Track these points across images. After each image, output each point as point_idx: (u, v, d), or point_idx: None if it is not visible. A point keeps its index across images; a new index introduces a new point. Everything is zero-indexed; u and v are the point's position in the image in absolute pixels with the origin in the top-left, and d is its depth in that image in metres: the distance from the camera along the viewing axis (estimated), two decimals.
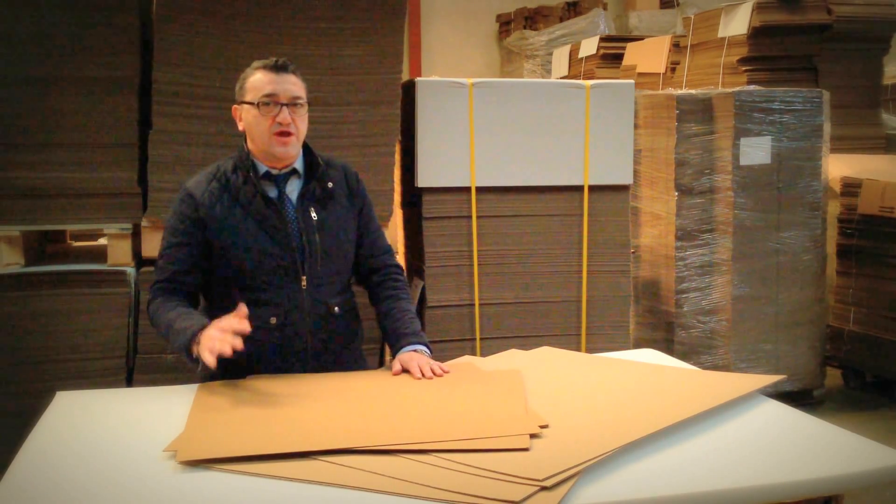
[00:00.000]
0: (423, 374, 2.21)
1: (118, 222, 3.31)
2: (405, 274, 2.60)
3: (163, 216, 3.29)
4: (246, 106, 2.29)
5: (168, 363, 3.28)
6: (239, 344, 2.01)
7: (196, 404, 2.05)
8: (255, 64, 2.32)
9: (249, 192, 2.28)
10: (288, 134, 2.26)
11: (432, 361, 2.28)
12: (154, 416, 2.03)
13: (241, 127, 2.34)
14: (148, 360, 3.30)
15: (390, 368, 2.37)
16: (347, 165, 2.49)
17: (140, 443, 1.83)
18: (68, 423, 1.99)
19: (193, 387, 2.14)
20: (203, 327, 2.10)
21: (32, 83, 3.21)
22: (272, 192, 2.31)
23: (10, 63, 3.19)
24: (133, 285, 3.30)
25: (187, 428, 1.88)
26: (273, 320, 2.29)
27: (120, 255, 3.31)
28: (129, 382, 3.29)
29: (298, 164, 2.36)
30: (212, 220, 2.28)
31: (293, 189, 2.34)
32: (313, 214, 2.32)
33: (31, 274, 3.25)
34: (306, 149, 2.39)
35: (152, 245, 3.33)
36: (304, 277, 2.30)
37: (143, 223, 3.32)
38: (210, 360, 1.98)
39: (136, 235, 3.34)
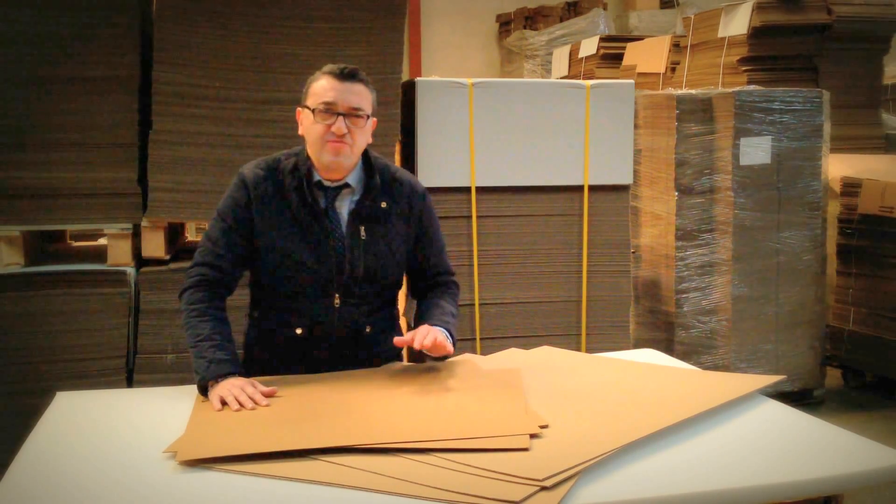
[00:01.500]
0: (423, 343, 2.13)
1: (118, 222, 3.31)
2: (458, 290, 2.50)
3: (163, 216, 3.31)
4: (306, 110, 2.23)
5: (168, 363, 3.28)
6: (249, 407, 1.99)
7: (197, 405, 2.05)
8: (324, 68, 2.23)
9: (299, 200, 2.22)
10: (341, 143, 2.18)
11: (440, 335, 2.19)
12: (154, 416, 2.03)
13: (300, 131, 2.27)
14: (148, 360, 3.31)
15: (391, 367, 2.38)
16: (416, 183, 2.38)
17: (140, 443, 1.83)
18: (68, 423, 1.99)
19: (194, 387, 2.13)
20: (232, 374, 2.09)
21: (32, 83, 3.21)
22: (321, 203, 2.24)
23: (10, 63, 3.19)
24: (133, 285, 3.30)
25: (188, 429, 1.88)
26: (299, 331, 2.25)
27: (120, 255, 3.30)
28: (129, 383, 3.29)
29: (353, 180, 2.27)
30: (259, 217, 2.23)
31: (344, 204, 2.27)
32: (363, 233, 2.25)
33: (31, 274, 3.25)
34: (367, 164, 2.30)
35: (152, 245, 3.34)
36: (337, 295, 2.24)
37: (143, 223, 3.32)
38: (217, 405, 2.00)
39: (136, 235, 3.34)
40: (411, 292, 2.50)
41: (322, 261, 2.22)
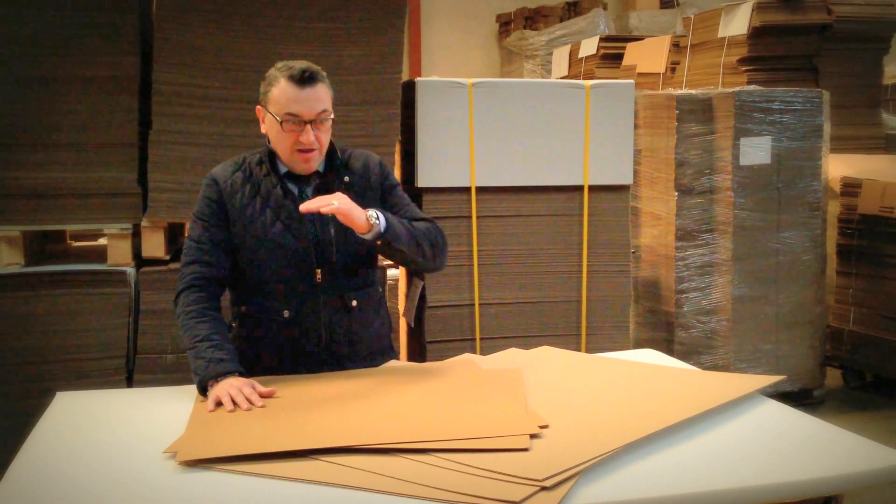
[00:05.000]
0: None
1: (118, 222, 3.31)
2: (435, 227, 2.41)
3: (163, 216, 3.31)
4: (269, 114, 2.26)
5: (168, 363, 3.28)
6: (244, 407, 1.99)
7: (197, 405, 2.05)
8: (281, 67, 2.24)
9: (270, 184, 2.29)
10: (310, 150, 2.24)
11: (337, 198, 2.13)
12: (154, 416, 2.03)
13: (263, 129, 2.31)
14: (148, 360, 3.30)
15: (391, 367, 2.38)
16: (370, 155, 2.45)
17: (140, 443, 1.83)
18: (68, 423, 1.99)
19: (194, 387, 2.13)
20: (231, 372, 2.09)
21: (32, 83, 3.21)
22: (294, 189, 2.32)
23: (10, 63, 3.19)
24: (133, 285, 3.30)
25: (188, 429, 1.88)
26: (286, 313, 2.29)
27: (120, 255, 3.31)
28: (129, 382, 3.29)
29: (320, 165, 2.35)
30: (232, 208, 2.28)
31: (311, 187, 2.33)
32: None
33: (31, 274, 3.25)
34: (329, 148, 2.36)
35: (152, 245, 3.34)
36: (319, 271, 2.28)
37: (143, 223, 3.32)
38: (211, 405, 2.00)
39: (136, 235, 3.34)
40: None
41: (298, 237, 2.27)
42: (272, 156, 2.31)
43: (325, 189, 2.31)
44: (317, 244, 2.29)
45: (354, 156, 2.41)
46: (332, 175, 2.34)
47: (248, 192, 2.29)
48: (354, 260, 2.34)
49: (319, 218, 2.28)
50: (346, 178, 2.35)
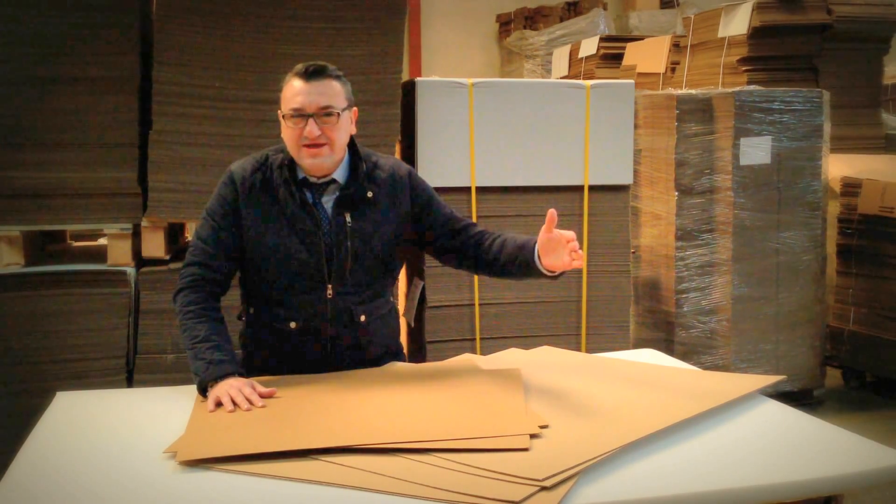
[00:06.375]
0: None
1: (118, 222, 3.31)
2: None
3: (163, 216, 3.31)
4: (280, 114, 2.23)
5: (168, 363, 3.28)
6: (245, 408, 1.98)
7: (197, 405, 2.05)
8: (294, 69, 2.22)
9: (288, 192, 2.23)
10: (317, 146, 2.17)
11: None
12: (154, 416, 2.03)
13: (282, 134, 2.27)
14: (148, 360, 3.31)
15: (391, 367, 2.37)
16: (398, 165, 2.36)
17: (140, 443, 1.83)
18: (68, 423, 1.99)
19: (194, 387, 2.13)
20: (231, 374, 2.08)
21: (32, 83, 3.21)
22: (308, 197, 2.24)
23: (10, 63, 3.19)
24: (133, 285, 3.30)
25: (188, 429, 1.88)
26: (293, 325, 2.26)
27: (120, 255, 3.31)
28: (129, 383, 3.29)
29: (339, 174, 2.26)
30: (247, 212, 2.23)
31: (331, 197, 2.26)
32: (348, 220, 2.24)
33: (31, 274, 3.25)
34: (353, 152, 2.30)
35: (152, 245, 3.34)
36: (330, 285, 2.24)
37: (143, 223, 3.32)
38: (211, 406, 1.99)
39: (136, 235, 3.34)
40: (454, 262, 2.41)
41: (312, 251, 2.22)
42: (293, 161, 2.25)
43: (346, 201, 2.25)
44: (330, 259, 2.23)
45: (381, 166, 2.32)
46: (353, 187, 2.26)
47: (266, 196, 2.23)
48: (367, 276, 2.29)
49: (335, 232, 2.23)
50: (370, 194, 2.27)
